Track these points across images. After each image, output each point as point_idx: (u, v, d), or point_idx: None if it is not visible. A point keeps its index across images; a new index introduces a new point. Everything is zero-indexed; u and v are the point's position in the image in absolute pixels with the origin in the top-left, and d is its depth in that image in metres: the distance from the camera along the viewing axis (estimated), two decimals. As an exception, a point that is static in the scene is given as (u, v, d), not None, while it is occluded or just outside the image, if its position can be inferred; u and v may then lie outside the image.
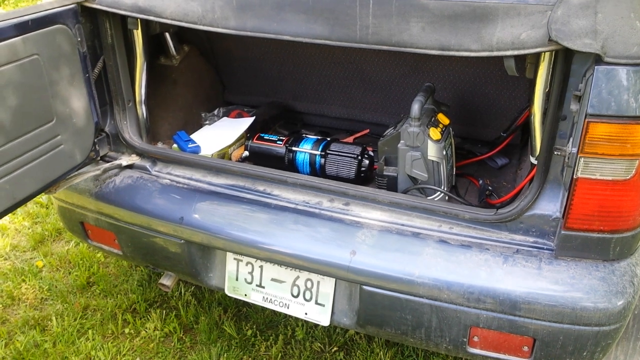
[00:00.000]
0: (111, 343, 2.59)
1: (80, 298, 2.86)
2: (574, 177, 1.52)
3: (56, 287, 2.93)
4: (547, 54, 1.58)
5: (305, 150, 2.32)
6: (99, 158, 2.17)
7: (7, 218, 3.44)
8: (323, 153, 2.29)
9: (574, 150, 1.50)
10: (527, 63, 1.68)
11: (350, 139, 2.65)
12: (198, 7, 1.82)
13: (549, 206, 1.66)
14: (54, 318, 2.72)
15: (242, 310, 2.78)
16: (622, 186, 1.50)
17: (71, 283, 2.97)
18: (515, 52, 1.49)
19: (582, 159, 1.49)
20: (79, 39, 1.92)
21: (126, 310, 2.78)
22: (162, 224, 2.04)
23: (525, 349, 1.71)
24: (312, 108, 2.86)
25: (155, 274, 2.97)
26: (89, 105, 2.01)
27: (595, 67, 1.41)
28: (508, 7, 1.49)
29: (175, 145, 2.39)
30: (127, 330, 2.67)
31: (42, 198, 3.62)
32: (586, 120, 1.44)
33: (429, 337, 1.80)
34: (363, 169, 2.26)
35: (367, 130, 2.73)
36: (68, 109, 1.92)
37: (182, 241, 2.04)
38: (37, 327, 2.69)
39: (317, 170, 2.31)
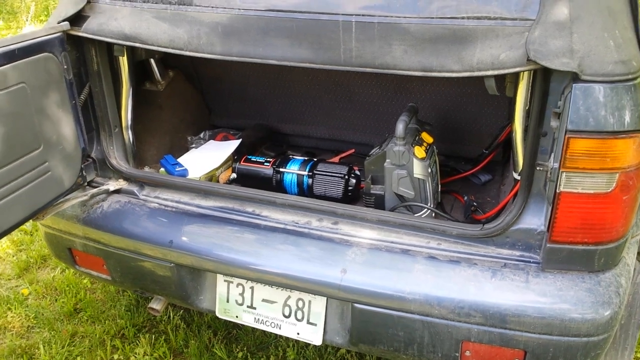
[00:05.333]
0: (100, 370, 2.56)
1: (67, 325, 2.83)
2: (557, 191, 1.56)
3: (43, 314, 2.89)
4: (526, 73, 1.63)
5: (293, 171, 2.34)
6: (86, 184, 2.17)
7: (-10, 246, 3.39)
8: (310, 173, 2.31)
9: (556, 165, 1.54)
10: (506, 82, 1.73)
11: (336, 159, 2.68)
12: (184, 34, 1.85)
13: (534, 220, 1.70)
14: (41, 346, 2.68)
15: (232, 333, 2.76)
16: (603, 199, 1.54)
17: (58, 310, 2.93)
18: (495, 72, 1.53)
19: (564, 174, 1.53)
20: (65, 67, 1.93)
21: (115, 336, 2.75)
22: (151, 248, 2.04)
23: (517, 361, 1.73)
24: (298, 129, 2.89)
25: (143, 298, 2.94)
26: (76, 131, 2.01)
27: (573, 84, 1.46)
28: (487, 29, 1.54)
29: (162, 169, 2.40)
30: (116, 356, 2.64)
31: (27, 225, 3.58)
32: (566, 136, 1.48)
33: (422, 353, 1.81)
34: (350, 188, 2.29)
35: (353, 150, 2.76)
36: (55, 136, 1.92)
37: (172, 264, 2.04)
38: (25, 356, 2.64)
39: (304, 191, 2.32)
